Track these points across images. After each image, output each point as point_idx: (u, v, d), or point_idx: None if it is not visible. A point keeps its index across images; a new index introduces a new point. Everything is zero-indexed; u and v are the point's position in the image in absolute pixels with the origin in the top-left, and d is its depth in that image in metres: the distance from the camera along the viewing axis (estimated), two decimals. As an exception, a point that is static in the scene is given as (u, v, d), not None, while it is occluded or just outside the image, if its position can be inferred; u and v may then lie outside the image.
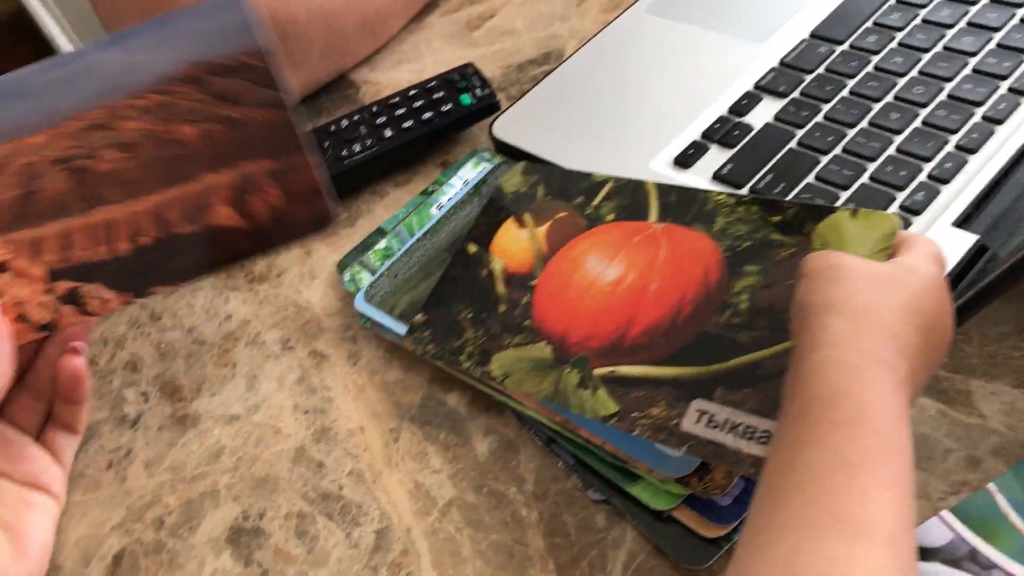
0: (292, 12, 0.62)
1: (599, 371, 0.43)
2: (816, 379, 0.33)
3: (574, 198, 0.50)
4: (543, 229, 0.50)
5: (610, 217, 0.48)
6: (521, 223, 0.51)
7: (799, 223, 0.42)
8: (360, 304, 0.52)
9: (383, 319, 0.50)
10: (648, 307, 0.44)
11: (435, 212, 0.56)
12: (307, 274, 0.56)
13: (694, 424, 0.40)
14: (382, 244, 0.55)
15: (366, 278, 0.53)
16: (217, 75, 0.43)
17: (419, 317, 0.49)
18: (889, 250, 0.39)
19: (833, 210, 0.42)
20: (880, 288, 0.35)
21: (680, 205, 0.47)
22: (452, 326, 0.48)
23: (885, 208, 0.45)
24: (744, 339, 0.41)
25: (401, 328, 0.49)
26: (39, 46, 2.59)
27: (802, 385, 0.33)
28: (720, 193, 0.46)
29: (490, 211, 0.52)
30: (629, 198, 0.48)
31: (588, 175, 0.50)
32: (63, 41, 2.28)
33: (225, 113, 0.44)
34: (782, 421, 0.33)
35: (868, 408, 0.31)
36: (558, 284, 0.47)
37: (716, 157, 0.51)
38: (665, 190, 0.47)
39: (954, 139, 0.47)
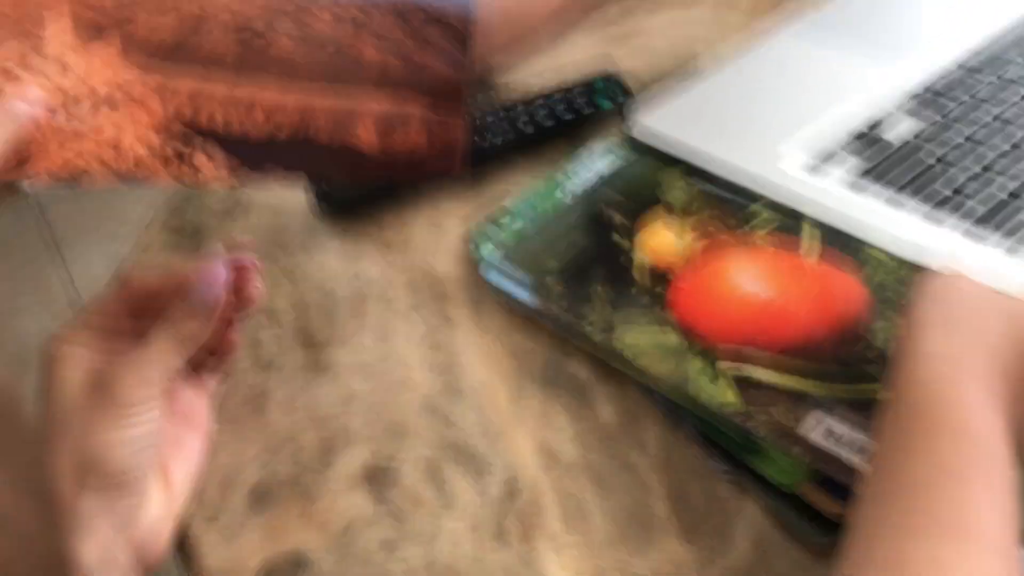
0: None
1: (725, 366, 0.45)
2: (918, 389, 0.34)
3: (729, 217, 0.52)
4: (693, 234, 0.52)
5: (762, 240, 0.50)
6: (673, 225, 0.53)
7: None
8: (489, 273, 0.54)
9: (509, 287, 0.53)
10: (784, 325, 0.46)
11: (564, 195, 0.58)
12: (437, 243, 0.59)
13: (811, 432, 0.41)
14: (509, 219, 0.57)
15: (493, 249, 0.56)
16: (420, 18, 0.44)
17: (551, 279, 0.52)
18: None
19: None
20: (994, 314, 0.36)
21: (836, 246, 0.49)
22: (583, 294, 0.50)
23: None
24: (873, 371, 0.43)
25: (525, 295, 0.52)
26: None
27: (905, 393, 0.34)
28: (876, 248, 0.48)
29: (640, 203, 0.55)
30: (785, 227, 0.50)
31: (748, 203, 0.52)
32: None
33: (410, 53, 0.44)
34: (885, 427, 0.34)
35: (970, 421, 0.32)
36: (699, 285, 0.49)
37: (853, 167, 0.52)
38: (822, 227, 0.49)
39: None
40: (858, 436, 0.40)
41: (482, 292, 0.55)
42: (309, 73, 0.43)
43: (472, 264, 0.56)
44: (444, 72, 0.45)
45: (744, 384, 0.44)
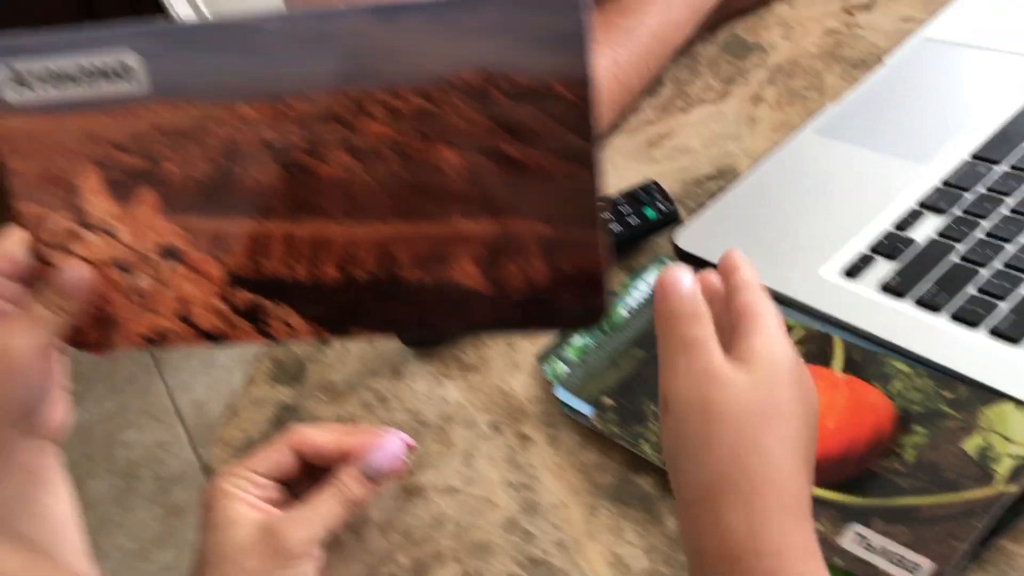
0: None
1: None
2: None
3: None
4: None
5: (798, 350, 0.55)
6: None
7: (968, 403, 0.48)
8: (559, 392, 0.59)
9: (578, 405, 0.58)
10: (824, 440, 0.50)
11: (623, 312, 0.63)
12: (512, 365, 0.65)
13: (850, 543, 0.45)
14: (578, 339, 0.63)
15: (563, 369, 0.61)
16: (509, 95, 0.34)
17: (608, 400, 0.57)
18: None
19: (1002, 397, 0.47)
20: (764, 431, 0.37)
21: (863, 363, 0.53)
22: (637, 414, 0.55)
23: (1045, 320, 0.50)
24: (905, 484, 0.46)
25: (588, 412, 0.57)
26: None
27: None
28: (899, 361, 0.52)
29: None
30: (817, 345, 0.55)
31: (784, 302, 0.57)
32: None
33: (505, 148, 0.34)
34: None
35: None
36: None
37: (883, 269, 0.57)
38: (851, 347, 0.54)
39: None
40: (893, 547, 0.44)
41: (554, 410, 0.60)
42: (376, 196, 0.35)
43: (546, 384, 0.62)
44: (560, 168, 0.34)
45: None
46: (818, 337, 0.55)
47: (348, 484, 0.48)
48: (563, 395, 0.59)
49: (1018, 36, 0.68)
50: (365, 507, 0.48)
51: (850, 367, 0.53)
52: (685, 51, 0.85)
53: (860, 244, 0.59)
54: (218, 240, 0.37)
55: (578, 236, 0.34)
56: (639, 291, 0.64)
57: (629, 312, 0.63)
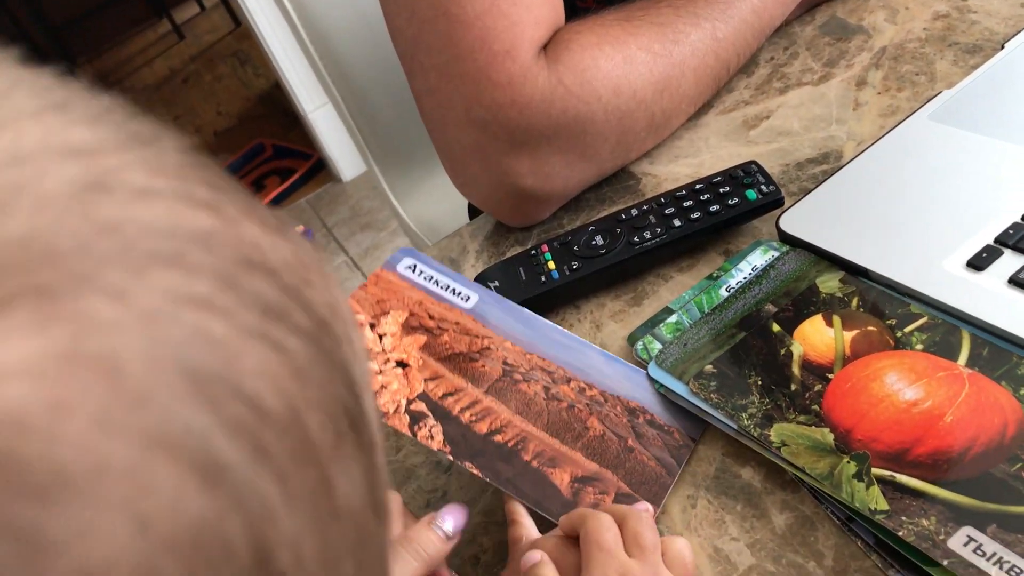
0: (591, 111, 0.68)
1: (877, 471, 0.46)
2: None
3: (887, 318, 0.54)
4: (850, 334, 0.53)
5: (919, 347, 0.51)
6: (830, 323, 0.54)
7: None
8: (653, 370, 0.57)
9: (674, 384, 0.55)
10: (939, 434, 0.46)
11: (724, 293, 0.60)
12: (598, 346, 0.62)
13: (961, 546, 0.42)
14: (672, 319, 0.60)
15: (657, 347, 0.58)
16: (649, 423, 0.55)
17: (709, 367, 0.54)
18: None
19: None
20: None
21: (992, 359, 0.49)
22: (740, 385, 0.52)
23: None
24: None
25: (684, 391, 0.54)
26: (288, 120, 2.85)
27: None
28: None
29: (801, 303, 0.56)
30: (941, 336, 0.51)
31: (907, 304, 0.54)
32: (317, 116, 2.50)
33: (630, 442, 0.54)
34: None
35: None
36: (854, 385, 0.50)
37: (1011, 262, 0.53)
38: (979, 342, 0.50)
39: None
40: (1009, 556, 0.41)
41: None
42: (541, 414, 0.55)
43: (637, 362, 0.59)
44: (651, 468, 0.53)
45: (897, 491, 0.45)
46: (944, 328, 0.52)
47: (425, 542, 0.47)
48: (658, 374, 0.56)
49: None
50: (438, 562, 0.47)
51: (976, 362, 0.50)
52: (781, 31, 0.82)
53: (986, 236, 0.55)
54: (433, 375, 0.56)
55: (642, 495, 0.52)
56: (741, 272, 0.61)
57: (729, 292, 0.60)
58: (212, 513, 0.15)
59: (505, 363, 0.57)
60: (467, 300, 0.61)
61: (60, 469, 0.14)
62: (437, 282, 0.62)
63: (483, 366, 0.57)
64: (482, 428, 0.53)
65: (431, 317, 0.60)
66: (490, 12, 0.64)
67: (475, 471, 0.51)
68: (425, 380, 0.56)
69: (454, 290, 0.62)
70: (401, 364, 0.57)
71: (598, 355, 0.59)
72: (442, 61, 0.66)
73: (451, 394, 0.55)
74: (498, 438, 0.53)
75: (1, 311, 0.14)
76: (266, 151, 2.87)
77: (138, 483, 0.14)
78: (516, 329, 0.60)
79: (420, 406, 0.54)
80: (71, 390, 0.14)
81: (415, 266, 0.63)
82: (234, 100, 3.20)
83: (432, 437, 0.52)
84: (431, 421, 0.53)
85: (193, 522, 0.15)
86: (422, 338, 0.58)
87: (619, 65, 0.68)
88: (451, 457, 0.52)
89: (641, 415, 0.55)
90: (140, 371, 0.15)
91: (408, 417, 0.53)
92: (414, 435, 0.52)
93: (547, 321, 0.60)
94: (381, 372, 0.56)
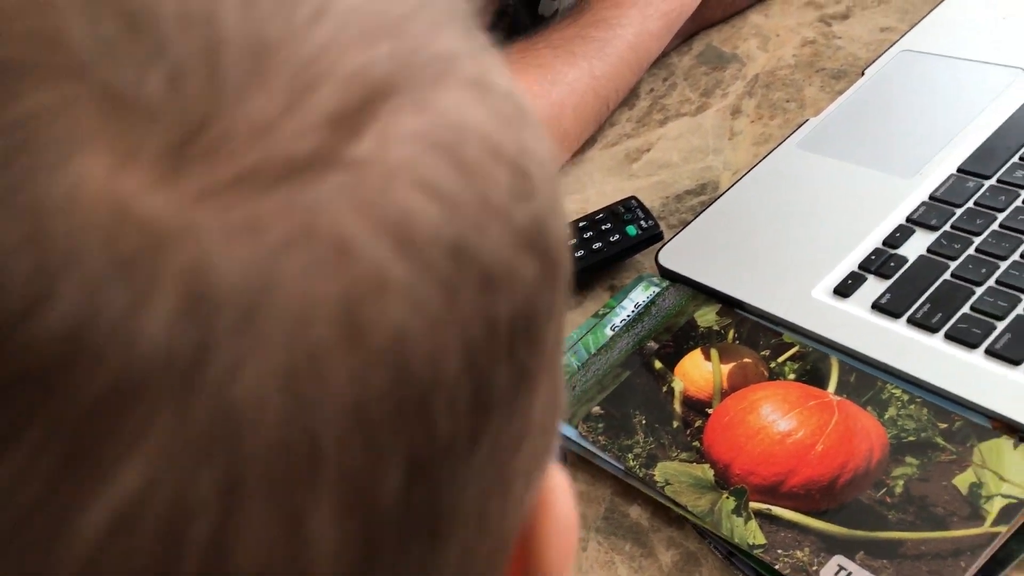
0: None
1: (755, 505, 0.48)
2: None
3: (761, 349, 0.55)
4: (728, 367, 0.55)
5: (791, 376, 0.53)
6: (708, 357, 0.56)
7: (963, 436, 0.47)
8: (542, 417, 0.57)
9: (565, 429, 0.56)
10: (811, 464, 0.48)
11: (609, 332, 0.61)
12: (492, 391, 0.62)
13: (832, 575, 0.44)
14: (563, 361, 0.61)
15: (546, 394, 0.59)
16: None
17: (596, 409, 0.55)
18: None
19: (997, 435, 0.46)
20: None
21: (858, 386, 0.51)
22: (626, 425, 0.54)
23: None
24: (892, 518, 0.45)
25: (574, 434, 0.55)
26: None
27: None
28: (897, 387, 0.50)
29: (680, 338, 0.58)
30: (812, 364, 0.53)
31: (779, 334, 0.56)
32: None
33: None
34: None
35: None
36: (732, 419, 0.52)
37: (874, 287, 0.55)
38: (847, 369, 0.52)
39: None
40: None
41: (537, 436, 0.58)
42: None
43: (525, 408, 0.60)
44: None
45: (773, 524, 0.47)
46: (815, 356, 0.54)
47: None
48: (548, 421, 0.57)
49: (995, 47, 0.68)
50: None
51: (845, 389, 0.52)
52: (660, 62, 0.84)
53: (850, 262, 0.57)
54: None
55: None
56: (625, 310, 0.62)
57: (613, 331, 0.61)
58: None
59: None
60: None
61: None
62: None
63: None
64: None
65: None
66: None
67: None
68: None
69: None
70: None
71: None
72: None
73: None
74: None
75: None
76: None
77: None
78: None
79: None
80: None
81: None
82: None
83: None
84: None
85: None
86: None
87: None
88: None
89: None
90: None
91: None
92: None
93: None
94: None
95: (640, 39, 0.77)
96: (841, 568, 0.44)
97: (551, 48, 0.74)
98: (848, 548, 0.45)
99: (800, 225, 0.61)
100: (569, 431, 0.56)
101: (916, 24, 0.74)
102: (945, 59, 0.69)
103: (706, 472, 0.50)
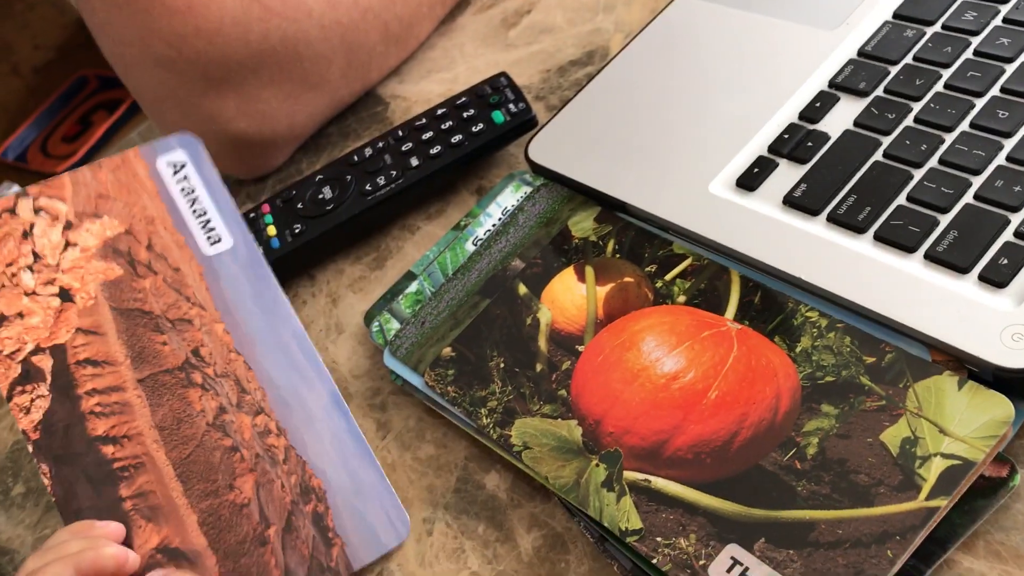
0: (303, 30, 0.56)
1: (630, 475, 0.37)
2: None
3: (646, 264, 0.43)
4: (604, 290, 0.43)
5: (681, 298, 0.41)
6: (581, 277, 0.44)
7: (896, 373, 0.35)
8: (388, 359, 0.46)
9: (411, 376, 0.45)
10: (702, 416, 0.37)
11: (471, 247, 0.49)
12: (333, 327, 0.51)
13: (724, 572, 0.33)
14: (413, 287, 0.49)
15: (395, 327, 0.48)
16: (315, 519, 0.43)
17: (447, 350, 0.44)
18: (995, 440, 0.32)
19: (939, 370, 0.35)
20: None
21: (764, 309, 0.40)
22: (482, 371, 0.43)
23: (993, 239, 0.37)
24: (802, 490, 0.34)
25: (420, 383, 0.44)
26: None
27: None
28: (812, 309, 0.38)
29: (550, 253, 0.46)
30: (708, 282, 0.41)
31: (669, 243, 0.44)
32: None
33: (272, 533, 0.42)
34: None
35: None
36: (607, 359, 0.41)
37: (787, 175, 0.43)
38: (750, 286, 0.40)
39: (1081, 143, 0.39)
40: None
41: (387, 388, 0.47)
42: (187, 442, 0.43)
43: (376, 350, 0.49)
44: None
45: (652, 501, 0.36)
46: (711, 270, 0.42)
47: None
48: (393, 363, 0.46)
49: None
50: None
51: (747, 313, 0.40)
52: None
53: (758, 144, 0.45)
54: (92, 328, 0.44)
55: None
56: (491, 218, 0.50)
57: (476, 245, 0.49)
58: None
59: (195, 352, 0.45)
60: (214, 243, 0.48)
61: None
62: (195, 202, 0.49)
63: (165, 343, 0.44)
64: (98, 427, 0.41)
65: (150, 247, 0.47)
66: None
67: (46, 479, 0.40)
68: (77, 330, 0.43)
69: (207, 223, 0.48)
70: (64, 295, 0.44)
71: (326, 392, 0.46)
72: None
73: (94, 363, 0.42)
74: (109, 449, 0.41)
75: None
76: (91, 84, 2.62)
77: None
78: (245, 310, 0.48)
79: (44, 362, 0.42)
80: None
81: (182, 166, 0.49)
82: (51, 29, 2.91)
83: (28, 411, 0.41)
84: (42, 389, 0.41)
85: None
86: (116, 271, 0.45)
87: (328, -30, 0.55)
88: (31, 448, 0.40)
89: (314, 502, 0.42)
90: None
91: (19, 370, 0.42)
92: (9, 397, 0.41)
93: (294, 317, 0.48)
94: (34, 293, 0.44)
95: None
96: (735, 562, 0.34)
97: None
98: (745, 534, 0.34)
99: (699, 100, 0.49)
100: (416, 379, 0.44)
101: None
102: None
103: (572, 431, 0.39)
